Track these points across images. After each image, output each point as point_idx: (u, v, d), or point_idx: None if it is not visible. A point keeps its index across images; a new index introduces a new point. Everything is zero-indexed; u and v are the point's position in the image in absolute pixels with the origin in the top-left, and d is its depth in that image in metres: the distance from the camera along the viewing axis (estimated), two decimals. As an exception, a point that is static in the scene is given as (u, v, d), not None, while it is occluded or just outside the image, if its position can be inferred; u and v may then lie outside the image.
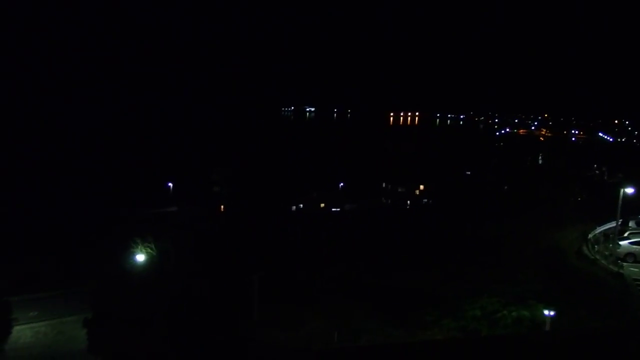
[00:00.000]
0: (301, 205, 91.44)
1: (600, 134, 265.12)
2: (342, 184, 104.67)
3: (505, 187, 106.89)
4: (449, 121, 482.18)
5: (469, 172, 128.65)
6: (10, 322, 36.87)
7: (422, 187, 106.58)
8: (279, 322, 37.74)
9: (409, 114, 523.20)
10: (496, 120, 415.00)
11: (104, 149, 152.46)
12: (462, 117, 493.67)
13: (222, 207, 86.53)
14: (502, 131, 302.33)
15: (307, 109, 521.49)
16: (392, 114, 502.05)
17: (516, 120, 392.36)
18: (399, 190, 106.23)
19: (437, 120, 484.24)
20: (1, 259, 48.41)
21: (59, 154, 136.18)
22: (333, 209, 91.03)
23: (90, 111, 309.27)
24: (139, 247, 46.33)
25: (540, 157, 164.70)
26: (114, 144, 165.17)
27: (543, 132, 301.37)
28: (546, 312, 32.65)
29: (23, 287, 43.02)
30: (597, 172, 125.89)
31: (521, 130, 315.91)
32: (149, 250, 46.09)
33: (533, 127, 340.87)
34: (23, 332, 38.22)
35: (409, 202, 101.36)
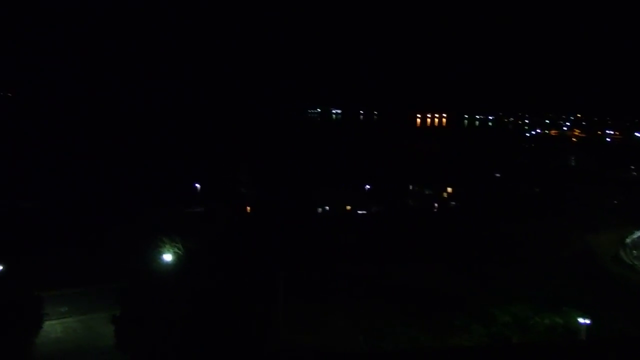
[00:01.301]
0: (327, 207, 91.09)
1: (637, 134, 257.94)
2: (368, 186, 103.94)
3: (536, 190, 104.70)
4: (477, 122, 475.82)
5: (498, 175, 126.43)
6: (42, 317, 37.62)
7: (449, 189, 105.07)
8: (302, 322, 37.50)
9: (436, 115, 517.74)
10: (526, 121, 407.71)
11: (133, 148, 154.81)
12: (490, 118, 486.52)
13: (248, 208, 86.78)
14: (533, 132, 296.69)
15: (333, 111, 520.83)
16: (418, 115, 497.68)
17: (547, 121, 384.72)
18: (426, 192, 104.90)
19: (465, 121, 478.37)
20: (33, 252, 49.44)
21: (89, 153, 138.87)
22: (359, 212, 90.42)
23: (114, 110, 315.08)
24: (166, 246, 46.70)
25: (572, 159, 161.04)
26: (141, 144, 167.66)
27: (576, 133, 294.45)
28: (581, 319, 31.61)
29: (54, 282, 43.79)
30: (634, 173, 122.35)
31: (553, 131, 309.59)
32: (176, 249, 46.40)
33: (565, 128, 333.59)
34: (54, 328, 38.90)
35: (436, 204, 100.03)
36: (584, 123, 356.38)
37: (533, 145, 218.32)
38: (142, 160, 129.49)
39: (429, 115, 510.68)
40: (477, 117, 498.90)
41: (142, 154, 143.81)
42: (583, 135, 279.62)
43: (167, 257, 45.65)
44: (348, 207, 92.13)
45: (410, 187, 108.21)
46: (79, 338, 38.40)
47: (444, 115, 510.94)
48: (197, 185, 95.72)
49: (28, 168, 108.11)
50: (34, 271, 44.17)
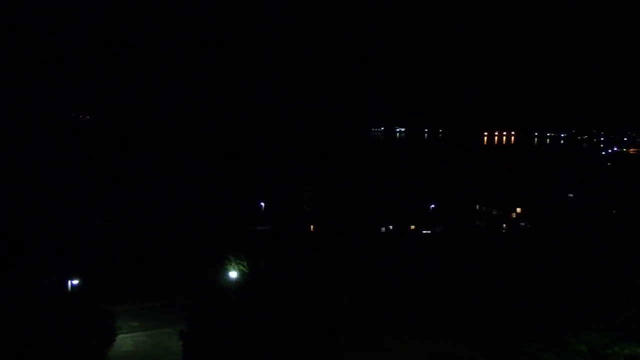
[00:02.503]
0: (391, 226, 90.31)
1: None
2: (433, 206, 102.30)
3: (613, 211, 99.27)
4: (548, 140, 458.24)
5: (571, 195, 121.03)
6: (114, 331, 39.30)
7: (518, 210, 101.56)
8: (365, 342, 36.95)
9: (504, 133, 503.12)
10: (602, 139, 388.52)
11: (201, 167, 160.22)
12: (562, 135, 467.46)
13: (311, 226, 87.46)
14: (609, 150, 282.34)
15: (397, 129, 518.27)
16: (486, 133, 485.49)
17: (625, 139, 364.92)
18: (494, 212, 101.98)
19: (535, 139, 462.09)
20: (106, 268, 51.85)
21: (158, 172, 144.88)
22: (424, 231, 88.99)
23: (184, 130, 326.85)
24: (232, 264, 47.71)
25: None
26: (208, 163, 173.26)
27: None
28: (665, 351, 29.38)
29: (126, 297, 45.65)
30: None
31: (631, 149, 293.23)
32: (241, 267, 47.30)
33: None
34: (125, 341, 40.38)
35: (504, 225, 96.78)
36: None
37: (609, 164, 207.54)
38: (209, 179, 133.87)
39: (496, 133, 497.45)
40: (548, 134, 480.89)
41: (209, 172, 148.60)
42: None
43: (233, 274, 46.65)
44: (412, 227, 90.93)
45: (477, 206, 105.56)
46: (148, 352, 39.65)
47: (512, 133, 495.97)
48: (262, 204, 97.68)
49: (102, 187, 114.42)
50: (107, 286, 46.31)
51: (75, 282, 44.13)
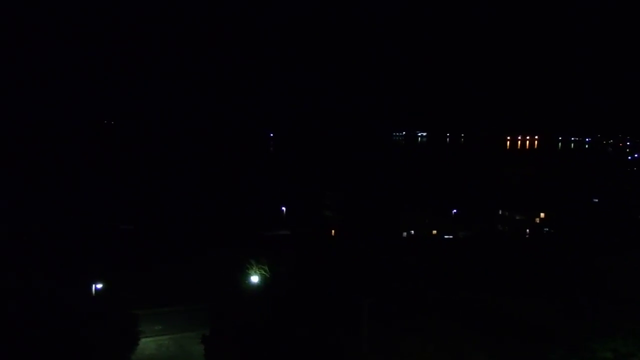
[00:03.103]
0: (412, 231, 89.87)
1: None
2: (455, 211, 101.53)
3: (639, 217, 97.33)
4: (572, 144, 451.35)
5: (596, 200, 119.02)
6: (138, 334, 39.86)
7: (542, 215, 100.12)
8: (384, 347, 36.83)
9: (527, 137, 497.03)
10: (627, 143, 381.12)
11: (223, 174, 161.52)
12: (587, 140, 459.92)
13: (333, 231, 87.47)
14: (636, 155, 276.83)
15: (419, 134, 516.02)
16: (508, 137, 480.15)
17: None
18: (517, 217, 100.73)
19: (559, 143, 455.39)
20: (130, 272, 52.57)
21: (181, 178, 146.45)
22: (446, 236, 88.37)
23: (207, 137, 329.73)
24: (254, 268, 48.03)
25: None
26: (231, 169, 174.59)
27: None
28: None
29: (149, 300, 46.19)
30: None
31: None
32: (263, 272, 47.58)
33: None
34: (148, 345, 40.85)
35: (528, 230, 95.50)
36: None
37: (636, 169, 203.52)
38: (231, 184, 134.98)
39: (519, 137, 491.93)
40: (572, 139, 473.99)
41: (231, 177, 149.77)
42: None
43: (255, 279, 46.94)
44: (434, 232, 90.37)
45: (500, 211, 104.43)
46: (170, 356, 40.02)
47: (536, 137, 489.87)
48: (283, 209, 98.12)
49: (126, 192, 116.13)
50: (131, 290, 46.94)
51: (100, 286, 44.83)
